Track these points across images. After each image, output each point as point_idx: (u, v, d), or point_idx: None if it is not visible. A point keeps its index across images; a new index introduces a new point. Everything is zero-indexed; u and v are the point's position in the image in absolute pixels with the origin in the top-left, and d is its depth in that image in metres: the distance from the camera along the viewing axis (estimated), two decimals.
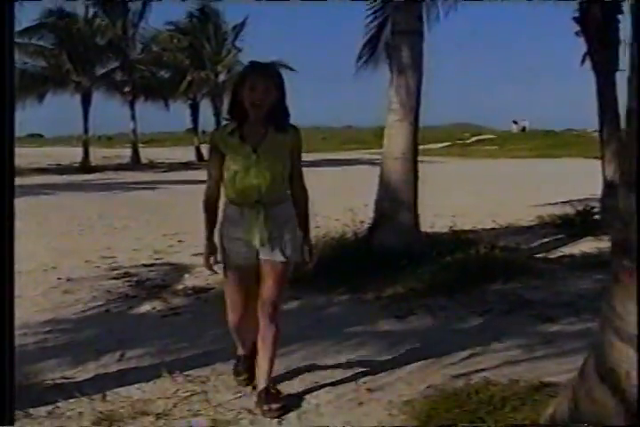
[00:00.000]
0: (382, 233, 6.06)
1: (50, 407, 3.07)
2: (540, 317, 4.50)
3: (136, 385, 3.34)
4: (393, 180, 6.06)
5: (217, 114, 31.93)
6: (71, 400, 3.14)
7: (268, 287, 3.02)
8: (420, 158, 6.41)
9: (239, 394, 3.20)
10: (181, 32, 31.17)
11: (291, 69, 28.51)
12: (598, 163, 8.97)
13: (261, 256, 3.01)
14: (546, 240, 8.08)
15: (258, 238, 2.96)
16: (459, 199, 12.85)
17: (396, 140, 6.06)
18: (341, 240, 5.97)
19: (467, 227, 8.29)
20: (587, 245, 7.51)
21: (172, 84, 30.51)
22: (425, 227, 6.73)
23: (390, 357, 3.73)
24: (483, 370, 3.40)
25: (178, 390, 3.26)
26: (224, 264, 3.08)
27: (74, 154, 31.49)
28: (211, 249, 3.08)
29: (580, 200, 10.31)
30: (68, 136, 62.39)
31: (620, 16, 8.37)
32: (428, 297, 4.93)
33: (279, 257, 2.99)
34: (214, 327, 4.01)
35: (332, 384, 3.28)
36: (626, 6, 8.55)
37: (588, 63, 8.55)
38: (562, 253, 7.08)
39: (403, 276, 5.30)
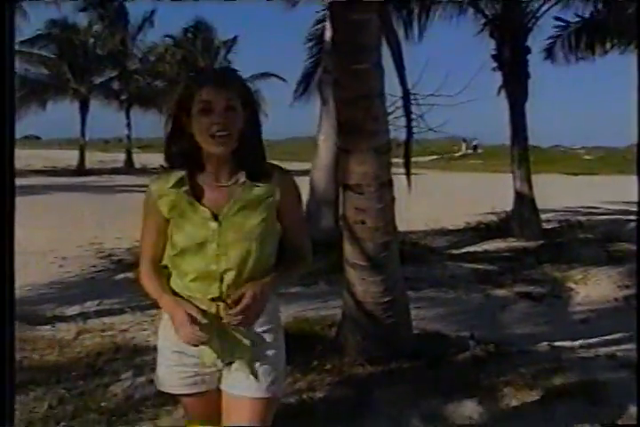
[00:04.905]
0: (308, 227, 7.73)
1: (49, 326, 4.73)
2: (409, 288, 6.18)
3: (107, 318, 5.00)
4: (317, 186, 7.76)
5: None
6: (63, 323, 4.81)
7: None
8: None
9: None
10: (177, 45, 32.94)
11: (282, 80, 30.30)
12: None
13: (223, 386, 1.90)
14: (462, 240, 9.79)
15: (216, 358, 1.86)
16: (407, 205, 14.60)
17: (322, 155, 7.75)
18: None
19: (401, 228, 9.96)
20: (492, 245, 9.24)
21: (167, 94, 32.13)
22: None
23: (285, 305, 5.37)
24: None
25: (135, 319, 4.92)
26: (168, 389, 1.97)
27: (70, 157, 33.14)
28: (181, 313, 1.76)
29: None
30: (65, 139, 63.72)
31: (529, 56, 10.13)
32: (331, 273, 6.57)
33: (253, 391, 1.86)
34: None
35: None
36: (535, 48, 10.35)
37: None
38: (466, 251, 8.78)
39: (317, 259, 6.95)
